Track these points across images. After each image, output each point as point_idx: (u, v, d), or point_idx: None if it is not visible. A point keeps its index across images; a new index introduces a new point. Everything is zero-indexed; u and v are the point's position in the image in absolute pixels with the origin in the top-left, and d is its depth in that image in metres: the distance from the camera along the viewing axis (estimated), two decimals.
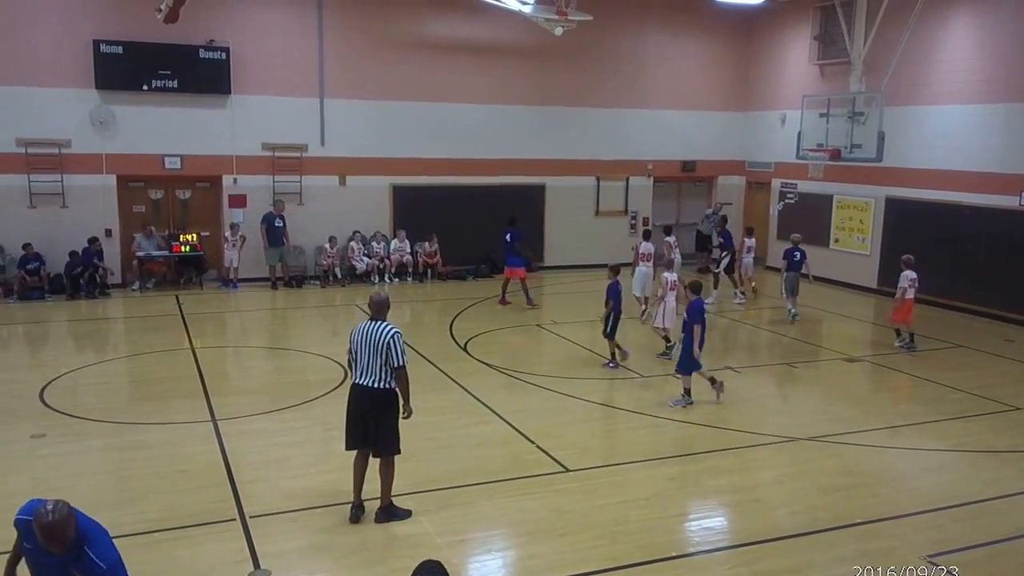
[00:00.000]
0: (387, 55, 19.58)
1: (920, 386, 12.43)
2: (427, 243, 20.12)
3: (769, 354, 14.66)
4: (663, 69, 22.42)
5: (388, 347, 7.37)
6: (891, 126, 17.46)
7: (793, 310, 16.40)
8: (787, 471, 9.15)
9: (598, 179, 22.37)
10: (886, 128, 17.12)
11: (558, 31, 16.34)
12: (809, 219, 21.07)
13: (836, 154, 17.91)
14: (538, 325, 15.75)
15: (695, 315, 10.99)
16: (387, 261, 19.73)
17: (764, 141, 22.84)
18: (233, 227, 18.62)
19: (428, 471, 8.74)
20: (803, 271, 16.36)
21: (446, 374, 12.39)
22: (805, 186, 21.11)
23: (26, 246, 16.97)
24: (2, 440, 9.55)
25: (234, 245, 18.56)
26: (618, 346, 12.98)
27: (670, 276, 13.31)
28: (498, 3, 16.25)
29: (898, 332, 14.57)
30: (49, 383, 11.58)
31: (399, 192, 20.32)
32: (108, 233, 17.95)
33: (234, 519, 7.63)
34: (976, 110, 17.10)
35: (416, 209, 20.20)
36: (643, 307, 15.27)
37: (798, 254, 16.41)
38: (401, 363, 7.43)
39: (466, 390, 11.62)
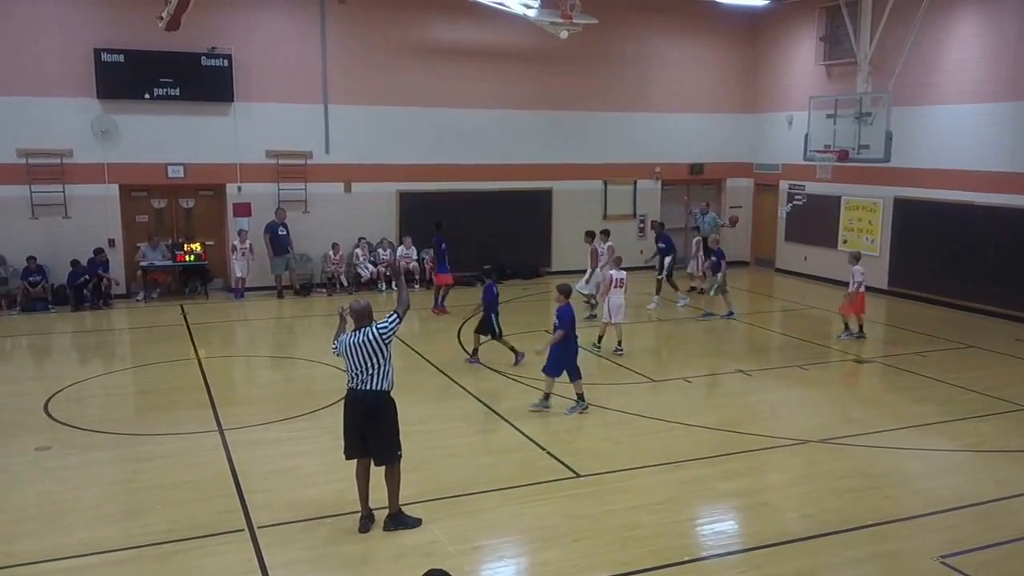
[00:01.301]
0: (391, 60, 19.52)
1: (931, 387, 12.31)
2: (432, 250, 20.00)
3: (779, 356, 14.54)
4: (669, 71, 22.35)
5: (381, 335, 7.44)
6: (899, 126, 17.35)
7: (733, 308, 16.66)
8: (798, 474, 9.09)
9: (605, 183, 22.27)
10: (894, 128, 16.99)
11: (563, 34, 16.27)
12: (817, 221, 21.01)
13: (844, 155, 17.79)
14: (546, 331, 15.63)
15: (564, 321, 10.70)
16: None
17: (771, 143, 22.75)
18: (241, 233, 18.49)
19: (438, 479, 8.69)
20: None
21: (454, 381, 12.33)
22: (813, 187, 21.00)
23: (29, 259, 16.89)
24: (7, 453, 9.49)
25: (243, 254, 18.42)
26: (512, 347, 13.11)
27: (616, 273, 13.92)
28: (502, 7, 16.19)
29: (846, 325, 15.26)
30: (54, 395, 11.52)
31: (405, 198, 20.24)
32: (111, 243, 17.90)
33: (242, 529, 7.58)
34: (984, 109, 16.98)
35: (423, 215, 20.05)
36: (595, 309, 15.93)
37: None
38: (397, 318, 7.56)
39: (475, 397, 11.54)
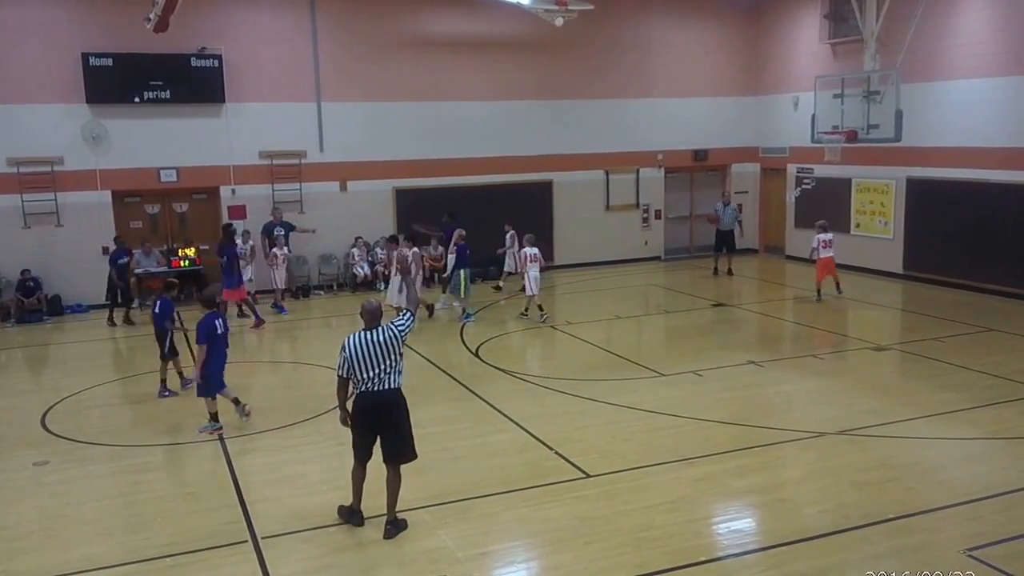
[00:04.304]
0: (384, 55, 19.27)
1: (952, 373, 12.03)
2: (430, 247, 19.73)
3: (793, 346, 14.32)
4: (669, 55, 22.01)
5: (401, 333, 7.48)
6: (909, 104, 16.92)
7: (470, 311, 16.21)
8: (816, 468, 8.88)
9: (607, 173, 21.96)
10: (904, 106, 16.56)
11: (558, 21, 16.04)
12: (828, 204, 20.61)
13: (852, 136, 17.40)
14: (552, 327, 15.45)
15: (202, 334, 9.96)
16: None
17: (777, 125, 22.41)
18: (278, 239, 17.61)
19: (444, 483, 8.53)
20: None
21: (458, 381, 12.16)
22: (822, 170, 20.63)
23: (24, 272, 16.77)
24: (4, 469, 9.34)
25: (283, 261, 17.57)
26: (179, 372, 12.22)
27: (529, 250, 15.56)
28: None
29: (837, 285, 16.75)
30: (50, 408, 11.36)
31: (402, 195, 19.99)
32: (105, 251, 17.50)
33: (245, 540, 7.47)
34: (997, 83, 16.64)
35: (420, 212, 19.79)
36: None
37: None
38: (411, 316, 7.73)
39: (480, 397, 11.34)
